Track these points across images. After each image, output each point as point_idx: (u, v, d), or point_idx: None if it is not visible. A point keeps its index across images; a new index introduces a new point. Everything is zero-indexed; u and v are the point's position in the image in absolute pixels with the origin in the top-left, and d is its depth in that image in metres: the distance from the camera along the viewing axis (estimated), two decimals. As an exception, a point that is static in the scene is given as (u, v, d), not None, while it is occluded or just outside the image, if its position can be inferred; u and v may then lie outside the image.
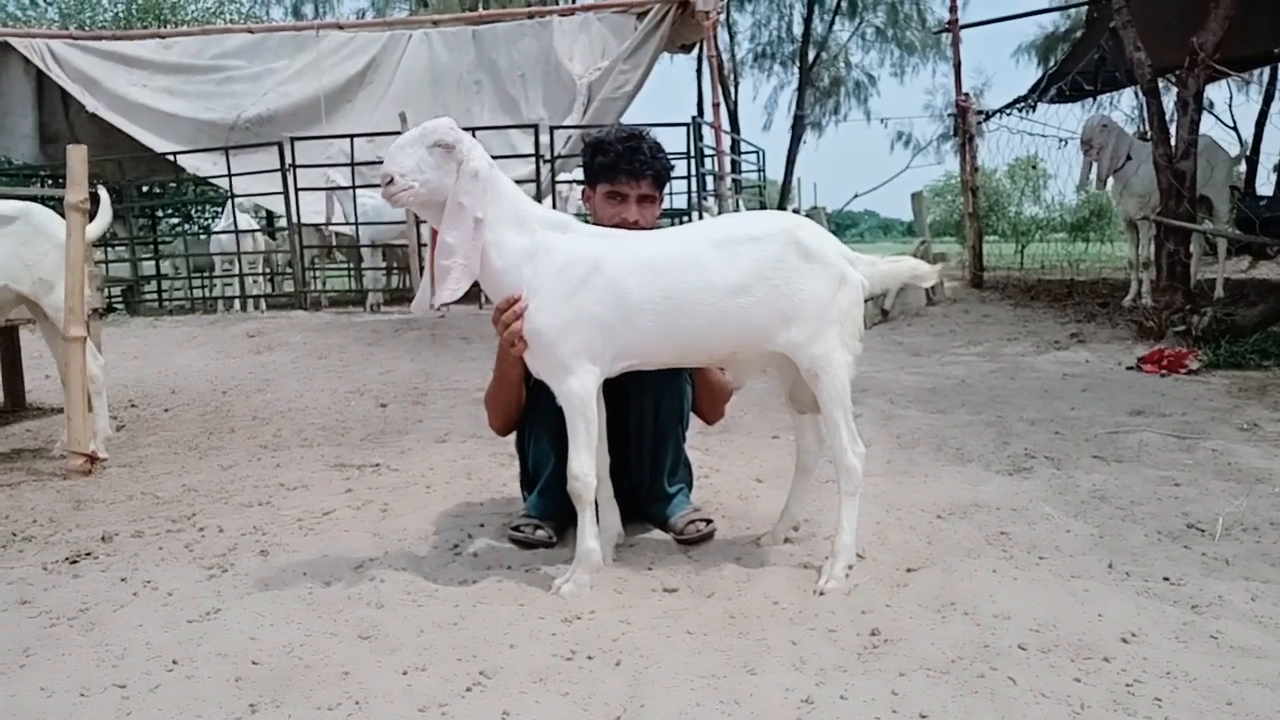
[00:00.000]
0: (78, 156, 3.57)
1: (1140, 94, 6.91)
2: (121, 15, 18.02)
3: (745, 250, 2.23)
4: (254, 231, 9.82)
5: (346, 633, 2.01)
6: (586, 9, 10.85)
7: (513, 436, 2.82)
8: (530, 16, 10.71)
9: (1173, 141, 6.37)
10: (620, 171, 2.54)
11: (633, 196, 2.55)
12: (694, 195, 9.81)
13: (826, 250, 2.27)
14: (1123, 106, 12.29)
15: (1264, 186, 12.08)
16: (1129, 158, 7.40)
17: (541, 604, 2.15)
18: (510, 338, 2.22)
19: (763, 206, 13.66)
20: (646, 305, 2.20)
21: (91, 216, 3.97)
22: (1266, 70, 13.94)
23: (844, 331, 2.26)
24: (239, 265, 9.89)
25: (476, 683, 1.77)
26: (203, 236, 13.16)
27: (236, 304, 9.70)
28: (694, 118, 9.86)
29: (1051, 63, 13.39)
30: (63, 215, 3.68)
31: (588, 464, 2.22)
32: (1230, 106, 14.26)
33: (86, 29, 15.76)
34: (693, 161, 9.78)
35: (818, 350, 2.24)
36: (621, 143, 2.55)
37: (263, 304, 9.67)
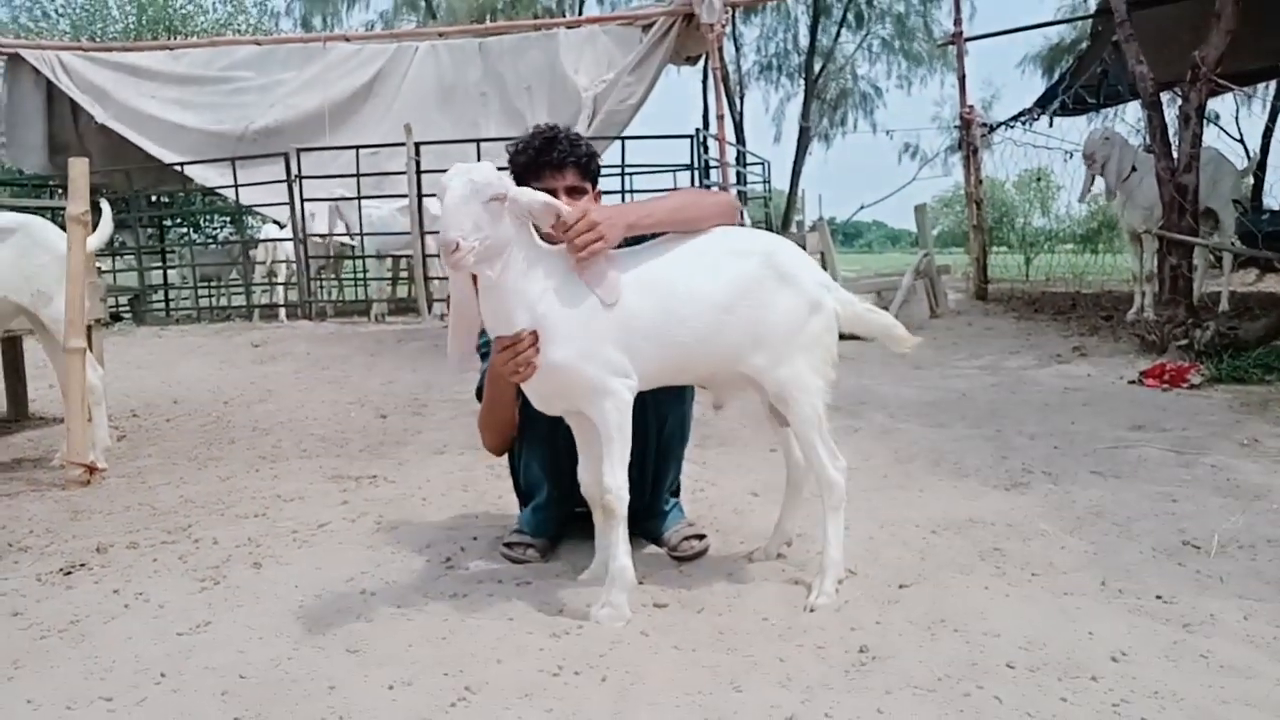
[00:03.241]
0: (79, 169, 3.60)
1: (1144, 107, 6.87)
2: (132, 27, 18.20)
3: (728, 265, 2.21)
4: (290, 240, 9.87)
5: (335, 646, 2.01)
6: (592, 21, 10.92)
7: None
8: (536, 29, 10.78)
9: (1175, 155, 6.36)
10: (542, 166, 2.45)
11: (560, 189, 2.43)
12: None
13: (802, 275, 2.25)
14: (1128, 119, 12.29)
15: (1271, 200, 12.04)
16: (1134, 169, 7.37)
17: (530, 618, 2.15)
18: (518, 366, 2.12)
19: (768, 218, 13.68)
20: (647, 322, 2.14)
21: (93, 228, 4.00)
22: (1273, 84, 13.93)
23: (814, 359, 2.23)
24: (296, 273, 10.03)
25: (461, 698, 1.77)
26: (211, 246, 13.25)
27: (282, 313, 9.67)
28: (698, 129, 9.89)
29: (1056, 74, 13.39)
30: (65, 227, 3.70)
31: (622, 477, 2.13)
32: (1237, 120, 14.26)
33: (97, 40, 15.91)
34: (697, 173, 9.81)
35: (783, 374, 2.21)
36: (538, 139, 2.48)
37: (282, 313, 9.68)
